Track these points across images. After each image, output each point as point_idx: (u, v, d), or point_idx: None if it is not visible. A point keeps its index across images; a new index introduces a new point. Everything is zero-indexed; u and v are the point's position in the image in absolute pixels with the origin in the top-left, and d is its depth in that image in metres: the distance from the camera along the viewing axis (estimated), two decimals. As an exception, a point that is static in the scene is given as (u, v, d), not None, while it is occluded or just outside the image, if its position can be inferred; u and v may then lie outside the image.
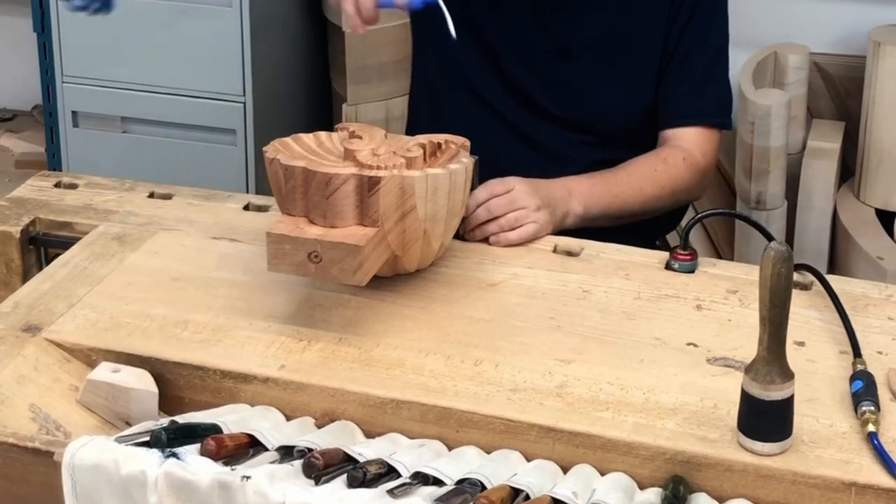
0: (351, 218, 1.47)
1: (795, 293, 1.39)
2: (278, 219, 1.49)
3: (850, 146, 2.73)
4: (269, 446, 1.31)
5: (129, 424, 1.40)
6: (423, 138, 1.59)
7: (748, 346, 1.37)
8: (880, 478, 1.25)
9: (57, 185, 1.83)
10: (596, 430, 1.32)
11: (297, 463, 1.27)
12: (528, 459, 1.33)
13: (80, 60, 2.85)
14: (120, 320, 1.50)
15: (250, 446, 1.31)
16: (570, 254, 1.67)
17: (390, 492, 1.23)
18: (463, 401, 1.36)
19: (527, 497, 1.24)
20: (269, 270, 1.47)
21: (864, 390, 1.35)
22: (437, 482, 1.26)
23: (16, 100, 3.71)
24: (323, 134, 1.62)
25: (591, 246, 1.69)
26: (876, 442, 1.28)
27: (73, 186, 1.83)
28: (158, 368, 1.43)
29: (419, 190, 1.49)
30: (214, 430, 1.32)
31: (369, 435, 1.38)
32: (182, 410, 1.41)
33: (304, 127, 1.82)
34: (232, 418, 1.35)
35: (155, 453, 1.26)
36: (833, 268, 2.66)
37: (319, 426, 1.38)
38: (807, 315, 1.52)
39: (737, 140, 2.64)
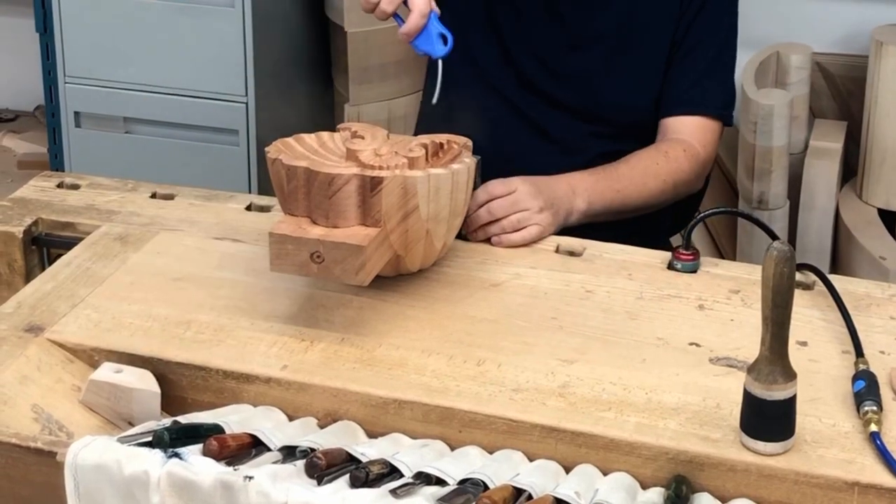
0: (353, 218, 1.47)
1: (798, 293, 1.38)
2: (280, 219, 1.50)
3: (852, 146, 2.73)
4: (271, 446, 1.31)
5: (131, 425, 1.40)
6: (426, 138, 1.59)
7: (750, 345, 1.37)
8: (883, 477, 1.25)
9: (59, 186, 1.83)
10: (598, 429, 1.32)
11: (300, 463, 1.27)
12: (531, 459, 1.33)
13: (82, 61, 2.85)
14: (122, 320, 1.50)
15: (253, 446, 1.31)
16: (572, 254, 1.67)
17: (393, 492, 1.23)
18: (465, 401, 1.36)
19: (529, 497, 1.24)
20: (272, 271, 1.47)
21: (866, 390, 1.35)
22: (440, 482, 1.26)
23: (18, 100, 3.71)
24: (325, 134, 1.63)
25: (593, 246, 1.69)
26: (878, 442, 1.28)
27: (75, 187, 1.83)
28: (161, 369, 1.43)
29: (421, 190, 1.49)
30: (217, 430, 1.32)
31: (372, 435, 1.38)
32: (184, 411, 1.41)
33: (307, 127, 1.82)
34: (234, 418, 1.35)
35: (157, 453, 1.26)
36: (835, 268, 2.66)
37: (322, 426, 1.38)
38: (809, 315, 1.52)
39: (739, 140, 2.64)
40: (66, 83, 2.87)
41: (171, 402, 1.43)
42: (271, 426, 1.35)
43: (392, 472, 1.27)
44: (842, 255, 2.66)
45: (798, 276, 1.54)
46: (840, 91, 2.81)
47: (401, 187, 1.48)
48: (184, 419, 1.35)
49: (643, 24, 1.92)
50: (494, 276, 1.61)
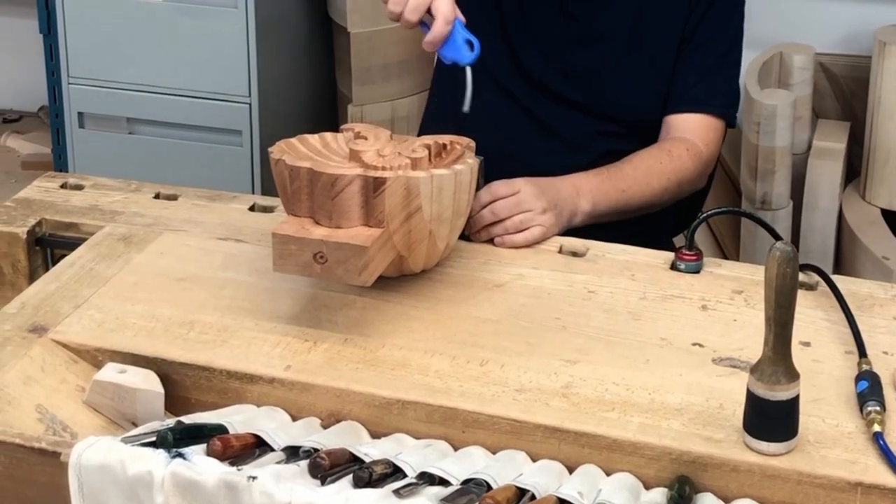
0: (356, 218, 1.47)
1: (801, 293, 1.38)
2: (284, 219, 1.50)
3: (855, 146, 2.73)
4: (275, 446, 1.31)
5: (135, 425, 1.40)
6: (429, 139, 1.59)
7: (754, 346, 1.37)
8: (886, 478, 1.25)
9: (63, 186, 1.83)
10: (601, 430, 1.32)
11: (303, 463, 1.27)
12: (534, 459, 1.33)
13: (86, 62, 2.85)
14: (126, 321, 1.50)
15: (256, 446, 1.31)
16: (575, 254, 1.67)
17: (396, 492, 1.23)
18: (468, 401, 1.36)
19: (532, 497, 1.24)
20: (275, 271, 1.47)
21: (869, 390, 1.35)
22: (443, 482, 1.26)
23: (22, 101, 3.72)
24: (328, 135, 1.63)
25: (596, 246, 1.69)
26: (881, 442, 1.28)
27: (79, 187, 1.83)
28: (164, 369, 1.43)
29: (424, 190, 1.49)
30: (220, 430, 1.32)
31: (375, 435, 1.38)
32: (188, 411, 1.41)
33: (310, 128, 1.82)
34: (238, 419, 1.35)
35: (161, 454, 1.26)
36: (838, 268, 2.66)
37: (325, 426, 1.38)
38: (812, 315, 1.52)
39: (742, 140, 2.64)
40: (69, 84, 2.88)
41: (175, 402, 1.43)
42: (275, 426, 1.35)
43: (395, 472, 1.27)
44: (845, 256, 2.66)
45: (801, 277, 1.54)
46: (843, 91, 2.81)
47: (404, 188, 1.48)
48: (187, 419, 1.35)
49: (652, 22, 1.93)
50: (497, 277, 1.61)
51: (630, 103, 1.94)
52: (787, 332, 1.26)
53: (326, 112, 3.11)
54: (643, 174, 1.85)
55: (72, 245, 1.69)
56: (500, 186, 1.71)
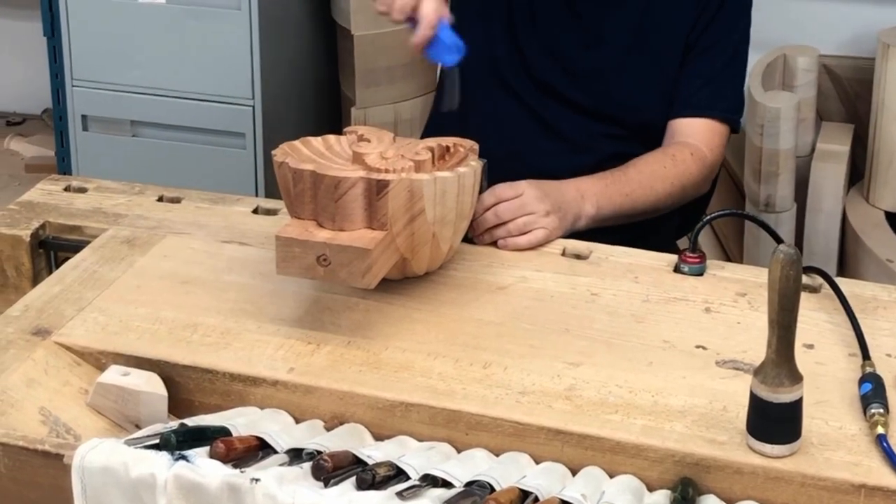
0: (360, 221, 1.47)
1: (804, 296, 1.38)
2: (287, 222, 1.50)
3: (859, 148, 2.73)
4: (278, 449, 1.31)
5: (138, 427, 1.40)
6: (432, 141, 1.60)
7: (757, 348, 1.37)
8: (890, 480, 1.25)
9: (66, 189, 1.83)
10: (605, 432, 1.32)
11: (307, 465, 1.27)
12: (537, 462, 1.33)
13: (89, 64, 2.86)
14: (129, 323, 1.50)
15: (259, 449, 1.31)
16: (578, 257, 1.67)
17: (399, 494, 1.23)
18: (472, 403, 1.36)
19: (536, 499, 1.24)
20: (278, 274, 1.47)
21: (873, 392, 1.35)
22: (446, 484, 1.26)
23: (26, 103, 3.72)
24: (332, 137, 1.63)
25: (599, 249, 1.69)
26: (885, 444, 1.28)
27: (82, 190, 1.83)
28: (168, 371, 1.43)
29: (428, 193, 1.49)
30: (224, 432, 1.33)
31: (378, 437, 1.38)
32: (191, 413, 1.41)
33: (313, 130, 1.82)
34: (241, 421, 1.35)
35: (164, 456, 1.26)
36: (842, 270, 2.65)
37: (328, 429, 1.38)
38: (816, 317, 1.52)
39: (746, 142, 2.64)
40: (73, 86, 2.88)
41: (178, 404, 1.43)
42: (278, 429, 1.35)
43: (398, 474, 1.27)
44: (849, 258, 2.65)
45: (805, 279, 1.53)
46: (847, 93, 2.81)
47: (407, 190, 1.48)
48: (191, 422, 1.35)
49: (659, 25, 1.93)
50: (500, 280, 1.61)
51: (635, 106, 1.94)
52: (791, 335, 1.26)
53: (330, 114, 3.11)
54: (647, 178, 1.85)
55: (75, 248, 1.69)
56: (503, 189, 1.71)
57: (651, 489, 1.31)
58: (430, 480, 1.26)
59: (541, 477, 1.28)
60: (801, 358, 1.29)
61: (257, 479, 1.22)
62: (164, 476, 1.24)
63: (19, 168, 3.48)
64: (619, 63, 1.93)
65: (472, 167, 1.56)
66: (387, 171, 1.48)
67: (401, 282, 1.58)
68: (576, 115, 1.94)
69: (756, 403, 1.28)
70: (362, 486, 1.24)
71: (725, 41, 1.95)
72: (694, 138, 1.91)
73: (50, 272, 1.70)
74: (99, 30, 2.83)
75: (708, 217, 1.66)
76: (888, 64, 2.57)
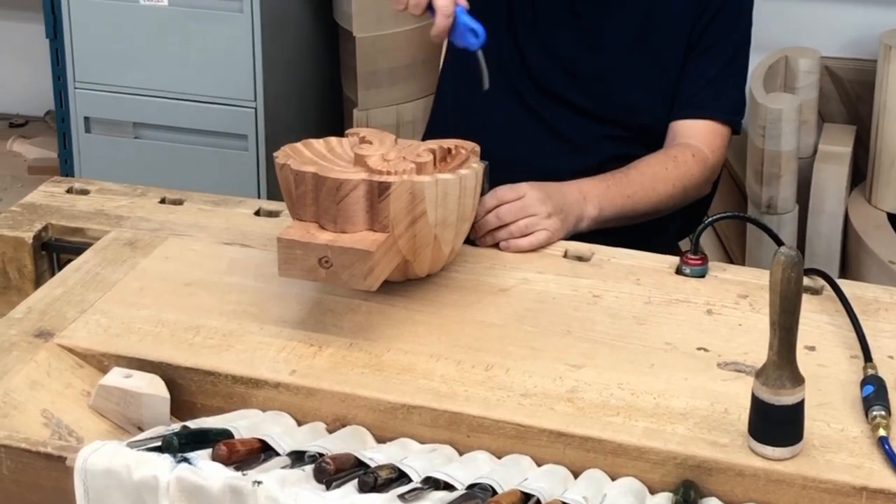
0: (361, 223, 1.47)
1: (806, 298, 1.39)
2: (289, 224, 1.50)
3: (861, 150, 2.73)
4: (280, 451, 1.31)
5: (140, 429, 1.40)
6: (433, 143, 1.60)
7: (759, 350, 1.37)
8: (891, 482, 1.25)
9: (69, 191, 1.84)
10: (606, 434, 1.32)
11: (309, 468, 1.27)
12: (539, 464, 1.33)
13: (92, 66, 2.86)
14: (131, 326, 1.50)
15: (262, 451, 1.31)
16: (580, 259, 1.67)
17: (401, 497, 1.23)
18: (474, 406, 1.36)
19: (537, 502, 1.24)
20: (280, 276, 1.47)
21: (874, 395, 1.35)
22: (448, 487, 1.26)
23: (28, 105, 3.72)
24: (333, 139, 1.63)
25: (601, 251, 1.69)
26: (887, 446, 1.28)
27: (85, 192, 1.83)
28: (170, 374, 1.43)
29: (429, 195, 1.49)
30: (226, 435, 1.33)
31: (380, 440, 1.38)
32: (194, 415, 1.41)
33: (315, 132, 1.82)
34: (243, 423, 1.36)
35: (167, 458, 1.26)
36: (844, 272, 2.65)
37: (330, 431, 1.39)
38: (817, 319, 1.52)
39: (748, 144, 2.64)
40: (75, 88, 2.88)
41: (181, 406, 1.43)
42: (280, 431, 1.35)
43: (400, 477, 1.27)
44: (851, 260, 2.65)
45: (806, 281, 1.54)
46: (849, 95, 2.81)
47: (409, 192, 1.48)
48: (193, 424, 1.35)
49: (660, 25, 1.93)
50: (502, 282, 1.61)
51: (636, 107, 1.94)
52: (792, 337, 1.26)
53: (332, 116, 3.11)
54: (649, 180, 1.85)
55: (78, 250, 1.70)
56: (505, 191, 1.71)
57: (653, 492, 1.31)
58: (432, 483, 1.26)
59: (542, 479, 1.28)
60: (803, 360, 1.29)
61: (259, 482, 1.22)
62: (167, 478, 1.24)
63: (22, 170, 3.48)
64: (619, 64, 1.93)
65: (474, 169, 1.56)
66: (388, 173, 1.48)
67: (403, 284, 1.58)
68: (576, 116, 1.95)
69: (758, 405, 1.28)
70: (364, 488, 1.24)
71: (726, 42, 1.95)
72: (695, 139, 1.91)
73: (52, 274, 1.70)
74: (101, 32, 2.83)
75: (709, 219, 1.66)
76: (890, 66, 2.57)
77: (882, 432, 1.30)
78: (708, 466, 1.29)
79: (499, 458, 1.34)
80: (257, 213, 1.78)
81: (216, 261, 1.65)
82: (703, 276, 1.63)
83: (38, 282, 1.70)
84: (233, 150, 2.84)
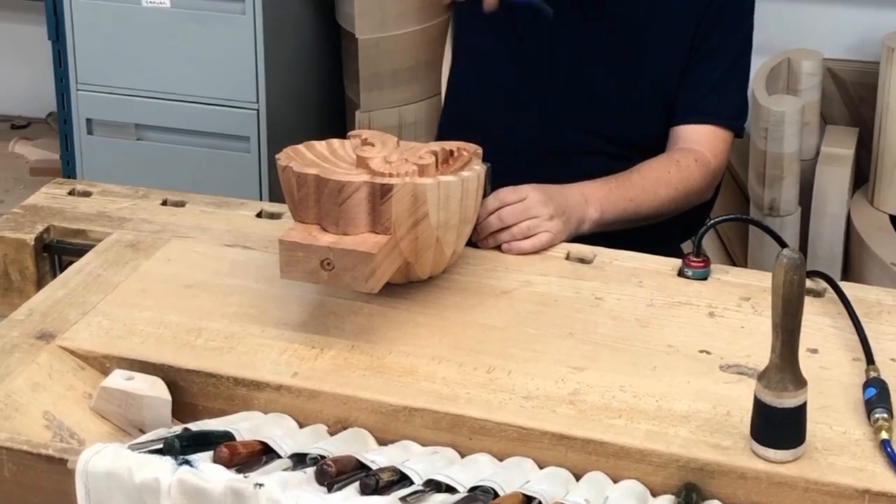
0: (363, 225, 1.47)
1: (808, 300, 1.38)
2: (291, 226, 1.50)
3: (863, 152, 2.73)
4: (281, 454, 1.31)
5: (142, 432, 1.40)
6: (436, 145, 1.60)
7: (761, 353, 1.37)
8: (894, 485, 1.25)
9: (71, 193, 1.84)
10: (608, 437, 1.32)
11: (310, 470, 1.27)
12: (541, 467, 1.33)
13: (94, 68, 2.86)
14: (133, 328, 1.50)
15: (263, 453, 1.31)
16: (582, 261, 1.67)
17: (403, 499, 1.23)
18: (475, 408, 1.36)
19: (539, 504, 1.25)
20: (282, 278, 1.47)
21: (877, 397, 1.34)
22: (450, 489, 1.26)
23: (30, 107, 3.72)
24: (335, 141, 1.63)
25: (603, 253, 1.68)
26: (889, 449, 1.28)
27: (87, 194, 1.83)
28: (172, 376, 1.43)
29: (431, 197, 1.49)
30: (227, 437, 1.32)
31: (382, 442, 1.38)
32: (195, 418, 1.41)
33: (317, 134, 1.82)
34: (245, 425, 1.35)
35: (168, 461, 1.26)
36: (847, 274, 2.65)
37: (332, 433, 1.38)
38: (820, 322, 1.52)
39: (750, 146, 2.64)
40: (78, 90, 2.88)
41: (182, 409, 1.43)
42: (282, 433, 1.35)
43: (402, 479, 1.27)
44: (853, 262, 2.65)
45: (809, 283, 1.53)
46: (851, 97, 2.81)
47: (411, 195, 1.48)
48: (194, 426, 1.35)
49: (662, 38, 1.92)
50: (504, 284, 1.61)
51: (637, 121, 1.94)
52: (795, 339, 1.26)
53: (334, 118, 3.11)
54: (651, 183, 1.85)
55: (79, 252, 1.69)
56: (507, 193, 1.71)
57: (655, 494, 1.30)
58: (434, 485, 1.26)
59: (544, 482, 1.28)
60: (805, 363, 1.29)
61: (261, 484, 1.22)
62: (168, 481, 1.24)
63: (24, 172, 3.48)
64: (620, 78, 1.93)
65: (476, 171, 1.56)
66: (390, 175, 1.48)
67: (404, 286, 1.58)
68: (576, 130, 1.95)
69: (760, 408, 1.28)
70: (366, 491, 1.24)
71: (728, 46, 1.94)
72: (698, 144, 1.91)
73: (54, 276, 1.70)
74: (104, 34, 2.83)
75: (712, 221, 1.67)
76: (893, 68, 2.57)
77: (884, 435, 1.30)
78: (710, 469, 1.29)
79: (501, 460, 1.34)
80: (259, 215, 1.78)
81: (218, 263, 1.65)
82: (705, 278, 1.62)
83: (40, 284, 1.70)
84: (235, 151, 2.84)
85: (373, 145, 1.57)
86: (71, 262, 1.68)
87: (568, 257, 1.68)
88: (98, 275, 1.62)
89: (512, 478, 1.28)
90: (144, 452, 1.28)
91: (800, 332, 1.25)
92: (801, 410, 1.27)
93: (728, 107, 1.95)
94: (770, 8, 2.73)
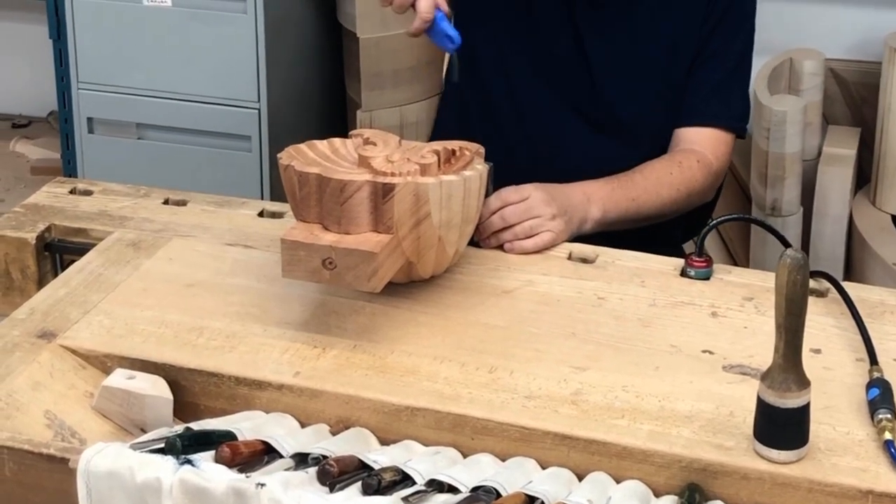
0: (365, 224, 1.47)
1: (811, 300, 1.38)
2: (293, 225, 1.50)
3: (865, 152, 2.73)
4: (283, 453, 1.31)
5: (144, 431, 1.40)
6: (438, 145, 1.59)
7: (764, 353, 1.37)
8: (897, 486, 1.25)
9: (72, 192, 1.83)
10: (611, 437, 1.32)
11: (312, 470, 1.27)
12: (544, 467, 1.33)
13: (95, 67, 2.86)
14: (135, 327, 1.50)
15: (265, 453, 1.31)
16: (585, 261, 1.67)
17: (405, 499, 1.23)
18: (478, 408, 1.36)
19: (542, 505, 1.24)
20: (284, 277, 1.47)
21: (880, 398, 1.34)
22: (452, 490, 1.26)
23: (31, 106, 3.72)
24: (337, 140, 1.63)
25: (606, 253, 1.68)
26: (892, 450, 1.28)
27: (88, 193, 1.83)
28: (173, 375, 1.43)
29: (433, 197, 1.49)
30: (229, 436, 1.32)
31: (384, 442, 1.38)
32: (197, 417, 1.41)
33: (318, 133, 1.82)
34: (247, 425, 1.35)
35: (170, 460, 1.26)
36: (849, 274, 2.65)
37: (334, 433, 1.38)
38: (823, 322, 1.52)
39: (752, 146, 2.64)
40: (79, 89, 2.88)
41: (184, 408, 1.43)
42: (283, 433, 1.35)
43: (404, 479, 1.27)
44: (855, 262, 2.65)
45: (811, 284, 1.53)
46: (853, 97, 2.81)
47: (413, 194, 1.48)
48: (196, 426, 1.35)
49: (666, 43, 1.92)
50: (506, 283, 1.61)
51: (641, 120, 1.94)
52: (798, 340, 1.25)
53: (335, 117, 3.11)
54: (653, 184, 1.85)
55: (81, 251, 1.69)
56: (509, 192, 1.71)
57: (657, 495, 1.30)
58: (436, 485, 1.26)
59: (547, 482, 1.28)
60: (808, 363, 1.29)
61: (263, 484, 1.22)
62: (170, 481, 1.24)
63: (25, 170, 3.48)
64: (622, 78, 1.93)
65: (478, 171, 1.56)
66: (392, 174, 1.48)
67: (406, 285, 1.58)
68: (583, 128, 1.94)
69: (763, 408, 1.28)
70: (368, 491, 1.24)
71: (730, 48, 1.94)
72: (700, 146, 1.91)
73: (55, 275, 1.70)
74: (105, 32, 2.83)
75: (714, 221, 1.66)
76: (895, 68, 2.57)
77: (888, 435, 1.29)
78: (713, 469, 1.28)
79: (503, 460, 1.34)
80: (261, 215, 1.78)
81: (219, 262, 1.65)
82: (707, 278, 1.62)
83: (41, 283, 1.70)
84: (236, 151, 2.84)
85: (375, 144, 1.57)
86: (72, 261, 1.67)
87: (570, 257, 1.68)
88: (99, 274, 1.62)
89: (514, 478, 1.28)
90: (146, 452, 1.28)
91: (803, 333, 1.25)
92: (804, 411, 1.27)
93: (730, 109, 1.94)
94: (772, 8, 2.73)
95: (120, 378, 1.42)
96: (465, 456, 1.35)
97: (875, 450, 1.29)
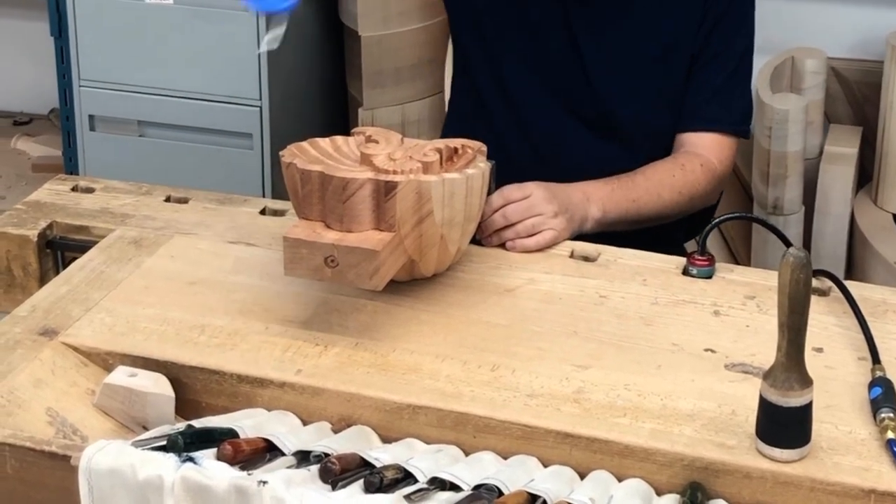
0: (367, 222, 1.47)
1: (814, 299, 1.38)
2: (295, 223, 1.49)
3: (867, 151, 2.72)
4: (285, 451, 1.31)
5: (145, 428, 1.40)
6: (440, 143, 1.59)
7: (766, 352, 1.36)
8: (899, 485, 1.25)
9: (74, 189, 1.83)
10: (613, 435, 1.32)
11: (314, 468, 1.27)
12: (546, 465, 1.33)
13: (96, 64, 2.85)
14: (136, 324, 1.50)
15: (267, 451, 1.31)
16: (587, 259, 1.67)
17: (407, 497, 1.23)
18: (479, 406, 1.36)
19: (544, 503, 1.24)
20: (286, 275, 1.47)
21: (883, 397, 1.34)
22: (454, 488, 1.26)
23: (33, 103, 3.72)
24: (339, 138, 1.63)
25: (607, 251, 1.68)
26: (895, 449, 1.28)
27: (89, 190, 1.83)
28: (175, 372, 1.43)
29: (436, 195, 1.49)
30: (231, 434, 1.32)
31: (386, 440, 1.38)
32: (199, 415, 1.41)
33: (321, 131, 1.82)
34: (248, 423, 1.35)
35: (171, 458, 1.26)
36: (850, 273, 2.65)
37: (336, 431, 1.38)
38: (825, 321, 1.52)
39: (754, 145, 2.64)
40: (80, 86, 2.88)
41: (186, 405, 1.43)
42: (285, 431, 1.35)
43: (406, 477, 1.27)
44: (857, 261, 2.65)
45: (814, 283, 1.53)
46: (855, 96, 2.81)
47: (415, 192, 1.48)
48: (198, 423, 1.35)
49: (665, 43, 1.92)
50: (509, 281, 1.61)
51: (643, 121, 1.93)
52: (801, 338, 1.25)
53: (337, 115, 3.11)
54: (655, 186, 1.84)
55: (82, 248, 1.69)
56: (511, 190, 1.71)
57: (660, 493, 1.30)
58: (438, 483, 1.26)
59: (549, 480, 1.28)
60: (811, 362, 1.29)
61: (265, 482, 1.22)
62: (172, 478, 1.24)
63: (26, 168, 3.48)
64: (618, 77, 1.92)
65: (481, 169, 1.56)
66: (395, 172, 1.48)
67: (408, 283, 1.58)
68: (581, 131, 1.94)
69: (765, 407, 1.27)
70: (370, 488, 1.24)
71: (730, 50, 1.93)
72: (703, 150, 1.91)
73: (57, 272, 1.70)
74: (106, 30, 2.82)
75: (717, 220, 1.66)
76: (896, 66, 2.57)
77: (890, 434, 1.29)
78: (715, 468, 1.28)
79: (505, 458, 1.34)
80: (263, 212, 1.77)
81: (221, 259, 1.65)
82: (710, 276, 1.62)
83: (43, 280, 1.70)
84: (238, 148, 2.83)
85: (377, 142, 1.57)
86: (74, 259, 1.67)
87: (572, 255, 1.68)
88: (101, 271, 1.62)
89: (516, 476, 1.28)
90: (148, 449, 1.28)
91: (806, 331, 1.25)
92: (806, 409, 1.27)
93: (732, 112, 1.94)
94: (774, 7, 2.73)
95: (122, 375, 1.42)
96: (466, 454, 1.35)
97: (877, 449, 1.29)
